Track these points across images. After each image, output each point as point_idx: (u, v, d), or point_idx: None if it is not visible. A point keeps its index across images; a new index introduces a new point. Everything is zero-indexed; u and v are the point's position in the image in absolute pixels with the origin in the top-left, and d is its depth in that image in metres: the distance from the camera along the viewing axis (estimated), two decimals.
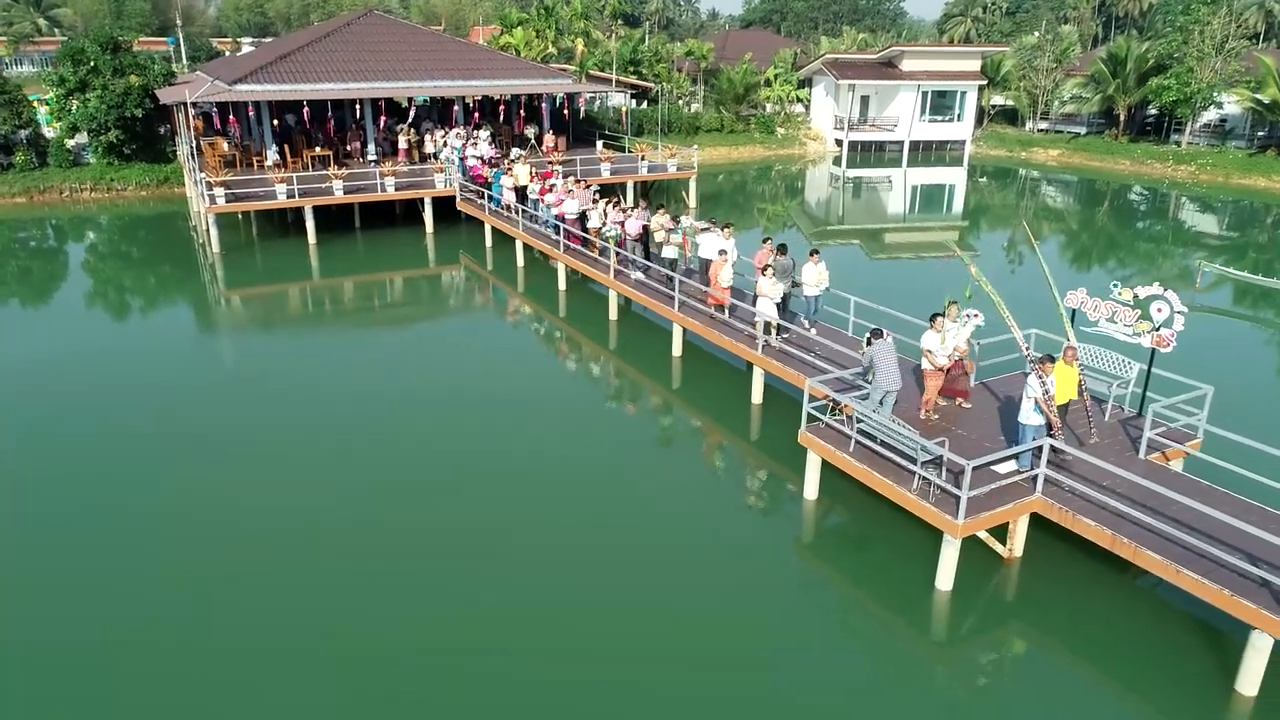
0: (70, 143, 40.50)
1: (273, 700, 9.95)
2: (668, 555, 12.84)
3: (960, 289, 14.87)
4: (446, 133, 36.63)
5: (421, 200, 32.47)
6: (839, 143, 56.44)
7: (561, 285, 25.45)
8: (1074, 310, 15.05)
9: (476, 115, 38.66)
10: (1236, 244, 35.17)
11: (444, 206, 32.95)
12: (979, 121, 58.95)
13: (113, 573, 12.31)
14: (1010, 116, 61.35)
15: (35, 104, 41.52)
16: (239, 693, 10.03)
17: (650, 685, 10.24)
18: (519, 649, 10.76)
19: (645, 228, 22.10)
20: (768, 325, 17.10)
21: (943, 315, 13.81)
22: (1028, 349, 14.70)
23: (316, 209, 31.17)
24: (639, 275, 21.83)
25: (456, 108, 38.56)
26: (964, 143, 56.41)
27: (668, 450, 16.62)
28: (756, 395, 17.70)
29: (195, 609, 11.49)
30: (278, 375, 20.21)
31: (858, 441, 12.96)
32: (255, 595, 11.78)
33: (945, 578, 11.72)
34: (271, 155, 35.81)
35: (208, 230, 30.26)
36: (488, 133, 35.87)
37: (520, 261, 28.22)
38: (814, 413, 13.64)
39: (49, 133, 40.97)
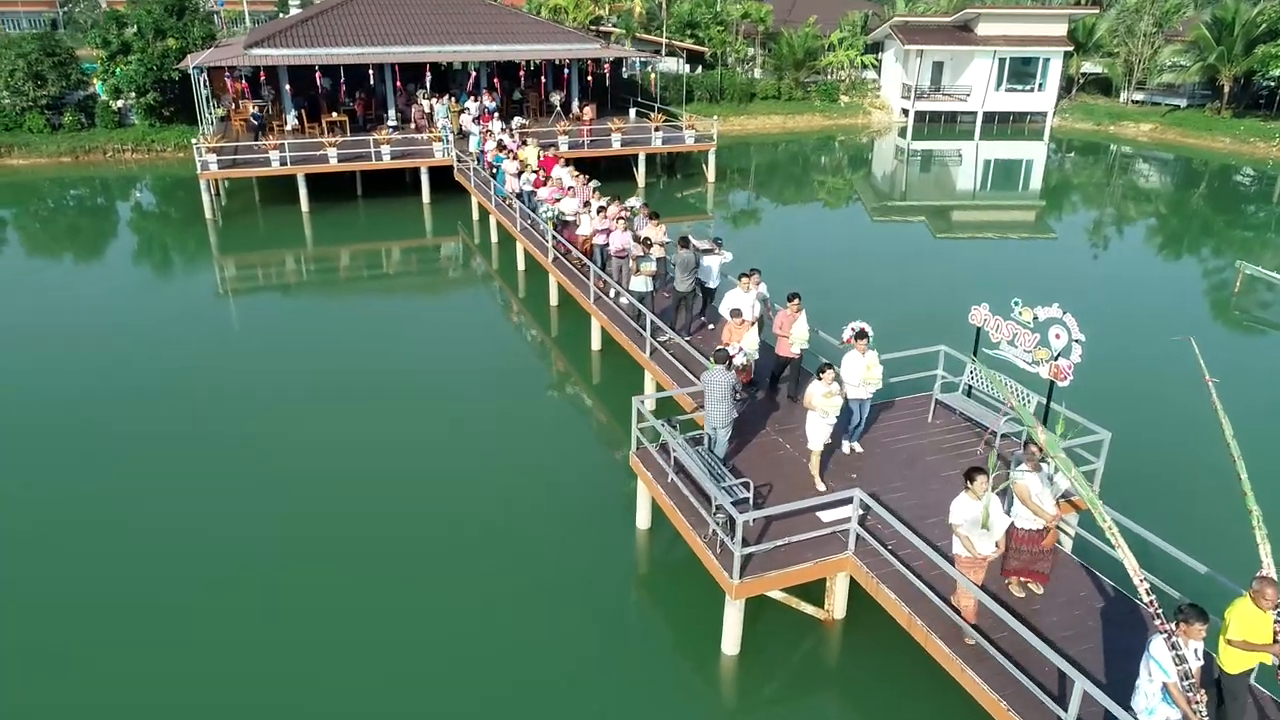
0: (117, 104, 41.70)
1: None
2: (487, 579, 11.83)
3: (1039, 279, 12.58)
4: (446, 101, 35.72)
5: (414, 169, 31.80)
6: (905, 113, 52.73)
7: (520, 266, 24.41)
8: (979, 329, 13.03)
9: (497, 80, 37.59)
10: None
11: (447, 175, 32.25)
12: (1066, 91, 53.96)
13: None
14: (1104, 86, 55.89)
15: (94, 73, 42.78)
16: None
17: None
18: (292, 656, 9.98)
19: (642, 240, 16.95)
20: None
21: (986, 473, 8.58)
22: (1145, 583, 7.51)
23: (320, 177, 31.06)
24: (624, 301, 17.43)
25: (475, 73, 37.58)
26: (1046, 114, 51.72)
27: (547, 451, 15.24)
28: (651, 401, 16.19)
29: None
30: (232, 339, 20.94)
31: (675, 473, 11.46)
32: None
33: (730, 641, 10.20)
34: (291, 120, 35.86)
35: (210, 194, 30.47)
36: (477, 105, 34.68)
37: (494, 237, 27.27)
38: (640, 436, 12.15)
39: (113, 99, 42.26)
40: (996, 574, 9.46)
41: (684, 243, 16.03)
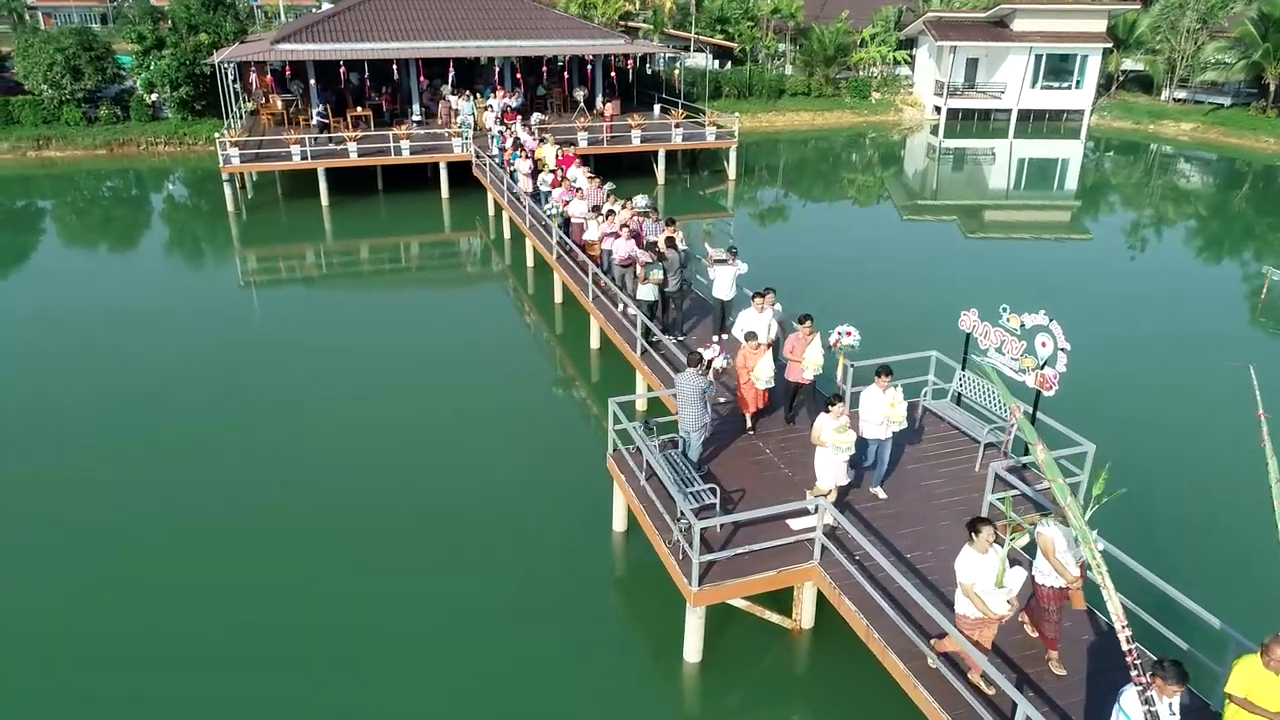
0: (151, 98, 42.51)
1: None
2: (461, 578, 11.84)
3: (1069, 281, 11.78)
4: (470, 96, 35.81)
5: (436, 164, 31.97)
6: (938, 110, 51.82)
7: (529, 263, 24.41)
8: (968, 335, 12.73)
9: (519, 77, 37.65)
10: None
11: (467, 171, 32.39)
12: (1105, 89, 52.64)
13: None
14: (1145, 84, 54.40)
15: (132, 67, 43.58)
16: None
17: None
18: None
19: (651, 246, 16.59)
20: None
21: (990, 523, 7.96)
22: (1127, 629, 6.79)
23: (342, 172, 31.38)
24: (630, 310, 16.49)
25: (499, 69, 37.69)
26: (1083, 113, 50.51)
27: (536, 449, 15.26)
28: (641, 402, 16.10)
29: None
30: (248, 329, 21.36)
31: (648, 478, 11.35)
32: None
33: (693, 649, 10.09)
34: (316, 115, 36.24)
35: (234, 188, 30.98)
36: (500, 101, 34.71)
37: (507, 234, 27.34)
38: (617, 438, 12.05)
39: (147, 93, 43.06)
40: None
41: (670, 243, 15.93)
